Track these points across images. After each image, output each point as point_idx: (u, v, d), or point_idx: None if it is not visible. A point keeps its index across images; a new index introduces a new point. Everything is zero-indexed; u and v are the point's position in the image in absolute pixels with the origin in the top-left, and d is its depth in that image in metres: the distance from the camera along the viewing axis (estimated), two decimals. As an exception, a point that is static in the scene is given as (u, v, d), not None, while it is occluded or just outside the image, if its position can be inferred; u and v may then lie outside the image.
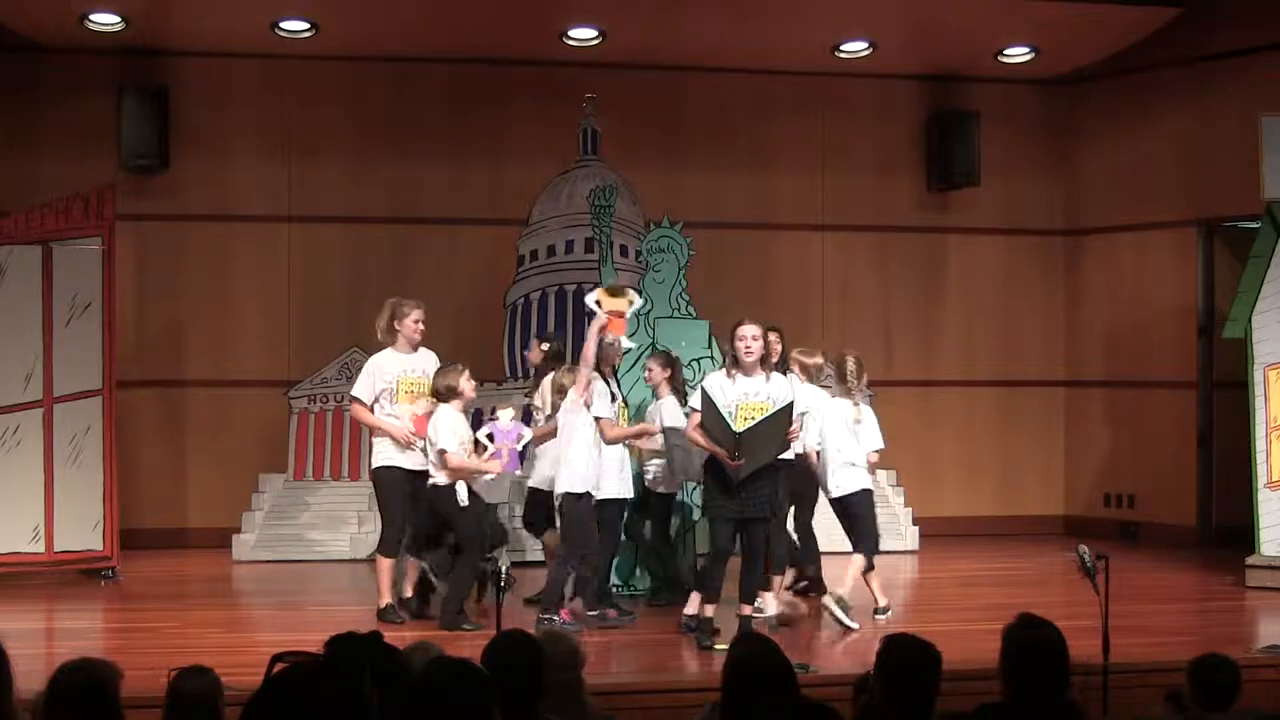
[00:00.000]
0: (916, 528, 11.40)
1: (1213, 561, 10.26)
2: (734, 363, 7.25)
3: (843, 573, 7.99)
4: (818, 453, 8.20)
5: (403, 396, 7.97)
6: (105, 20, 10.41)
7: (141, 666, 5.45)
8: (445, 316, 11.37)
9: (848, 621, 7.74)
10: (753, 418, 7.05)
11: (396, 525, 7.96)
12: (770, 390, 7.23)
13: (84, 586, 9.30)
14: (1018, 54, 11.66)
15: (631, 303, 8.10)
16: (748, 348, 7.19)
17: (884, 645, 4.02)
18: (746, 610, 7.34)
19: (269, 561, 10.37)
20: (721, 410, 7.05)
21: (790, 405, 7.16)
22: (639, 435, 8.34)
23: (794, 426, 7.28)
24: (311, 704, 2.79)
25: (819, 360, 8.55)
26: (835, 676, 6.23)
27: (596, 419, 8.06)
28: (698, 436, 7.25)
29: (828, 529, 8.82)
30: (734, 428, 6.99)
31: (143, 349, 11.12)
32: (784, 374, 8.11)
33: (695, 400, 7.28)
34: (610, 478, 8.13)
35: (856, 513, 8.13)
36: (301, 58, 11.30)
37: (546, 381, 8.52)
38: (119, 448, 9.77)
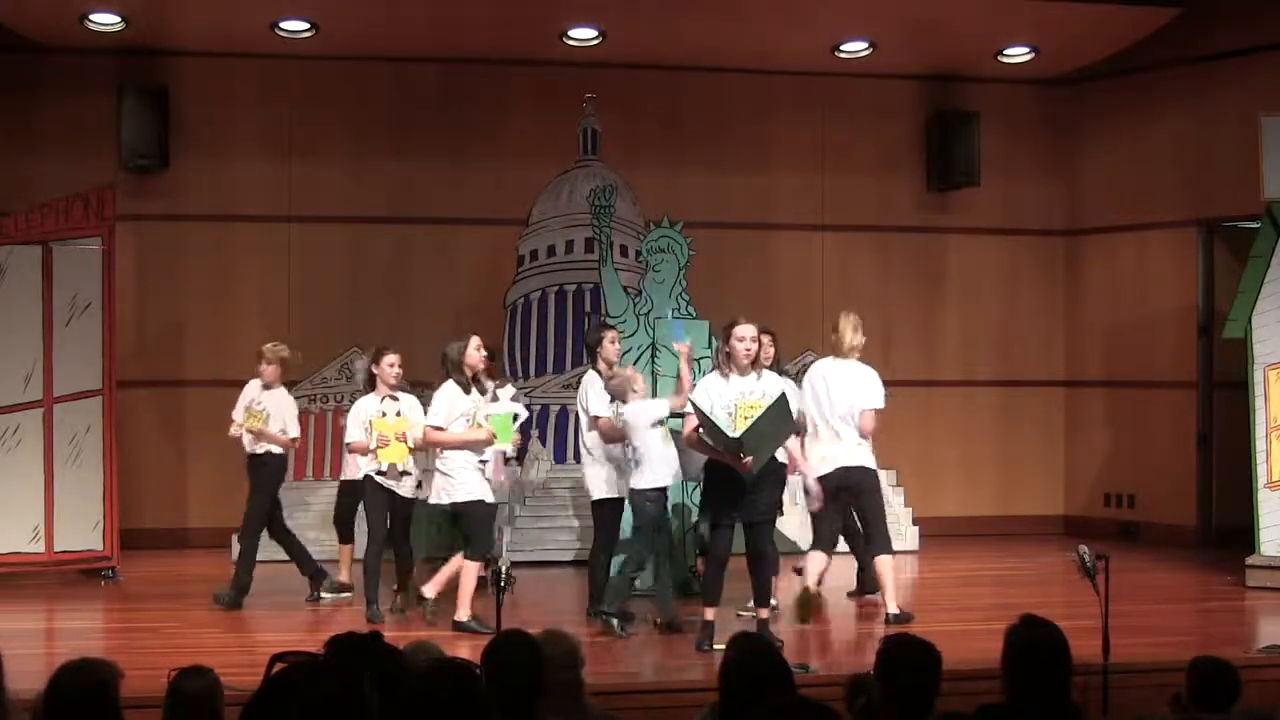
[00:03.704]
0: (916, 528, 11.39)
1: (1213, 561, 10.25)
2: (727, 361, 7.19)
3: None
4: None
5: None
6: (105, 20, 10.41)
7: (141, 666, 5.45)
8: (445, 317, 11.41)
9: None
10: (751, 415, 7.03)
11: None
12: (764, 387, 7.18)
13: (84, 586, 9.30)
14: (1018, 54, 11.67)
15: None
16: (747, 349, 7.13)
17: (884, 645, 4.02)
18: (764, 614, 7.29)
19: (269, 561, 10.33)
20: (714, 418, 6.99)
21: (784, 395, 7.11)
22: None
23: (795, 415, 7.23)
24: (311, 704, 2.79)
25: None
26: (836, 677, 6.23)
27: (595, 418, 8.08)
28: (699, 445, 7.18)
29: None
30: (731, 432, 6.93)
31: (143, 349, 11.12)
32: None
33: (690, 405, 7.21)
34: (605, 479, 8.15)
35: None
36: (301, 58, 11.31)
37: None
38: (119, 448, 9.78)
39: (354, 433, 8.23)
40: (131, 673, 4.04)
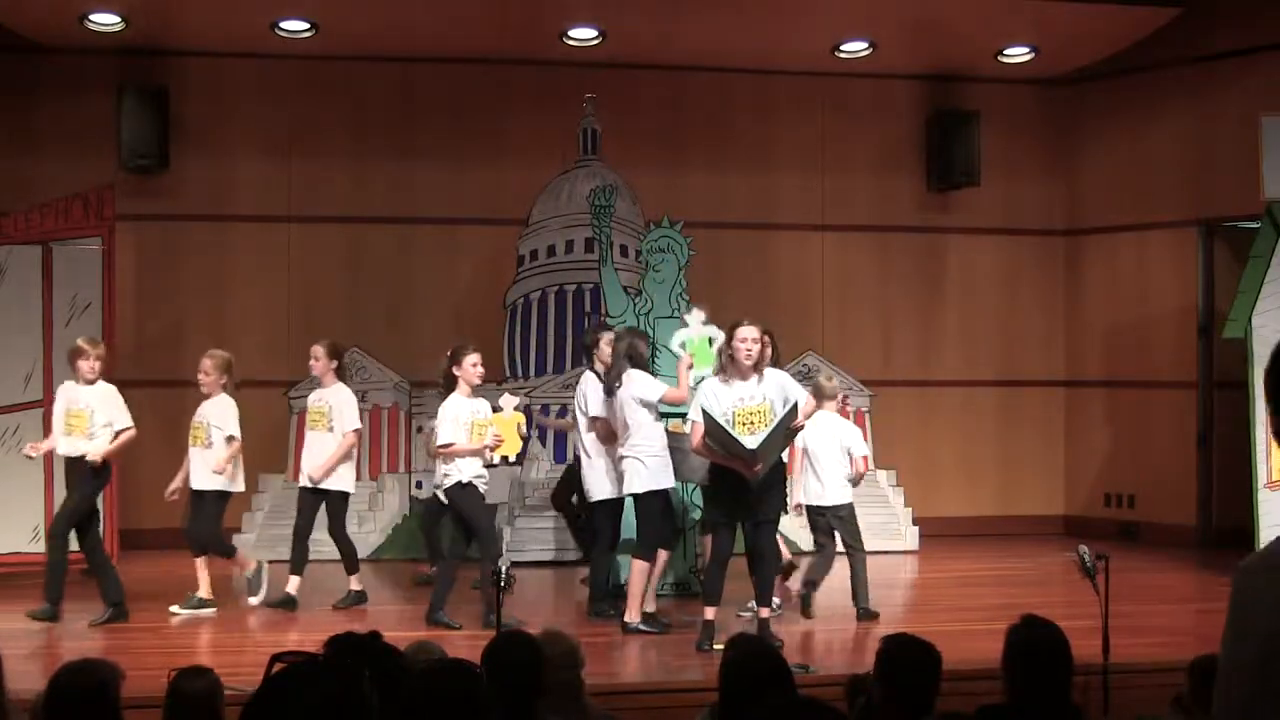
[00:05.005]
0: (916, 528, 11.39)
1: (1213, 561, 10.25)
2: (730, 364, 7.13)
3: None
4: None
5: None
6: (105, 20, 10.40)
7: (141, 667, 5.46)
8: (444, 317, 11.43)
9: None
10: (750, 422, 6.96)
11: None
12: (765, 390, 7.09)
13: (84, 586, 9.26)
14: (1018, 54, 11.66)
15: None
16: (748, 351, 7.06)
17: (883, 645, 4.02)
18: (765, 614, 7.25)
19: (269, 561, 10.33)
20: (724, 424, 6.92)
21: (796, 404, 7.04)
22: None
23: (799, 419, 7.14)
24: (311, 704, 2.79)
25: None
26: (836, 677, 6.23)
27: (594, 419, 8.08)
28: (706, 450, 7.08)
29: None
30: (743, 442, 6.85)
31: (142, 349, 11.11)
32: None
33: (695, 412, 7.10)
34: (605, 480, 8.15)
35: None
36: (301, 58, 11.30)
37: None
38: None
39: (449, 434, 7.78)
40: (132, 673, 4.04)
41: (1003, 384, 12.52)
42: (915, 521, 11.42)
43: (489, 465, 7.94)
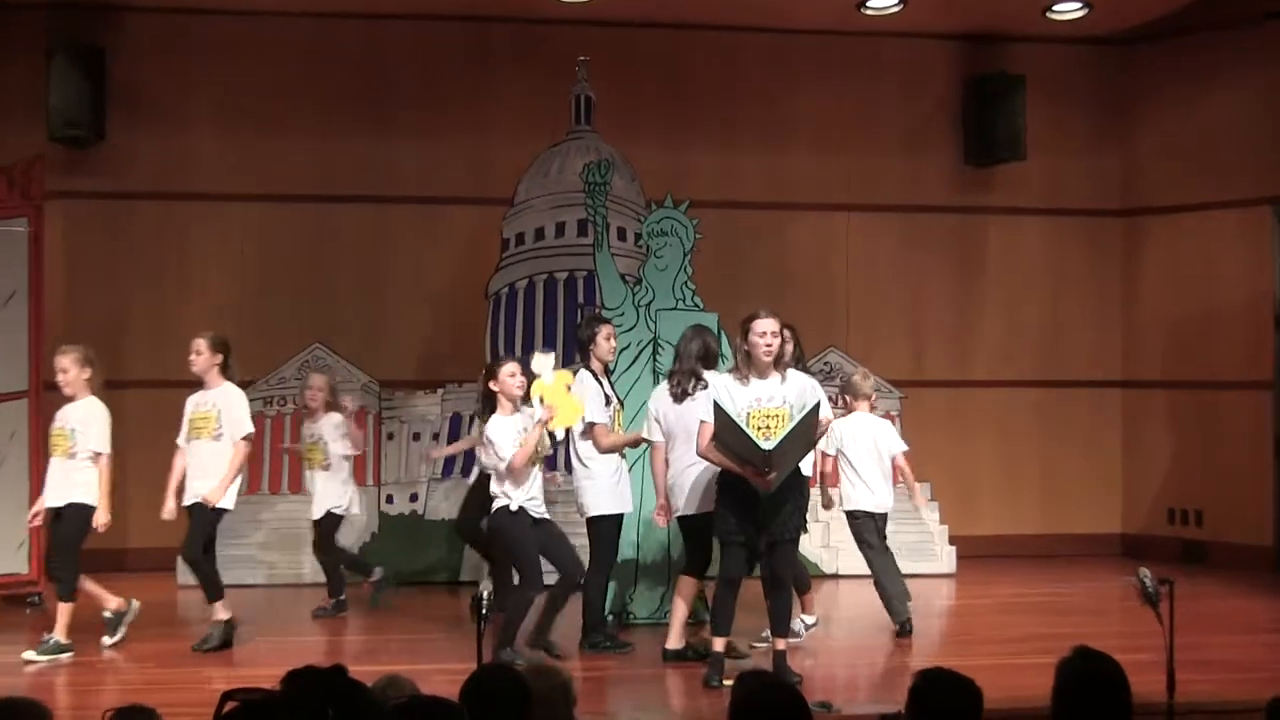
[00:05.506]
0: (952, 548, 11.35)
1: (1291, 586, 10.22)
2: (746, 361, 7.10)
3: None
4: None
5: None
6: (33, -28, 10.37)
7: (73, 706, 5.41)
8: (420, 308, 11.44)
9: None
10: (767, 425, 6.90)
11: None
12: (786, 392, 7.04)
13: (7, 615, 9.24)
14: (1068, 10, 11.62)
15: None
16: (768, 345, 7.03)
17: (917, 681, 3.97)
18: (781, 645, 7.18)
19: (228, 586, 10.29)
20: (739, 424, 6.85)
21: (817, 406, 6.97)
22: (636, 443, 8.29)
23: (820, 426, 7.07)
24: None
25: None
26: (863, 717, 6.19)
27: (590, 424, 8.04)
28: (714, 454, 7.04)
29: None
30: (759, 443, 6.77)
31: (75, 344, 11.03)
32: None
33: (705, 410, 7.06)
34: (604, 491, 8.11)
35: None
36: (260, 14, 11.29)
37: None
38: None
39: (510, 450, 7.59)
40: (61, 713, 3.97)
41: (1050, 385, 12.50)
42: (951, 540, 11.37)
43: (553, 440, 7.92)
